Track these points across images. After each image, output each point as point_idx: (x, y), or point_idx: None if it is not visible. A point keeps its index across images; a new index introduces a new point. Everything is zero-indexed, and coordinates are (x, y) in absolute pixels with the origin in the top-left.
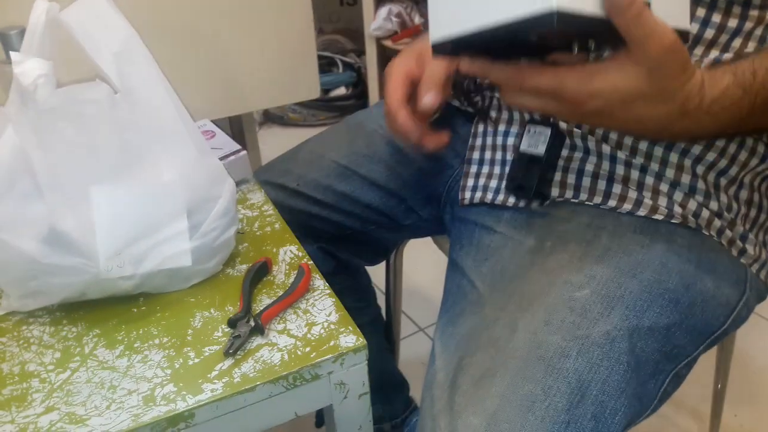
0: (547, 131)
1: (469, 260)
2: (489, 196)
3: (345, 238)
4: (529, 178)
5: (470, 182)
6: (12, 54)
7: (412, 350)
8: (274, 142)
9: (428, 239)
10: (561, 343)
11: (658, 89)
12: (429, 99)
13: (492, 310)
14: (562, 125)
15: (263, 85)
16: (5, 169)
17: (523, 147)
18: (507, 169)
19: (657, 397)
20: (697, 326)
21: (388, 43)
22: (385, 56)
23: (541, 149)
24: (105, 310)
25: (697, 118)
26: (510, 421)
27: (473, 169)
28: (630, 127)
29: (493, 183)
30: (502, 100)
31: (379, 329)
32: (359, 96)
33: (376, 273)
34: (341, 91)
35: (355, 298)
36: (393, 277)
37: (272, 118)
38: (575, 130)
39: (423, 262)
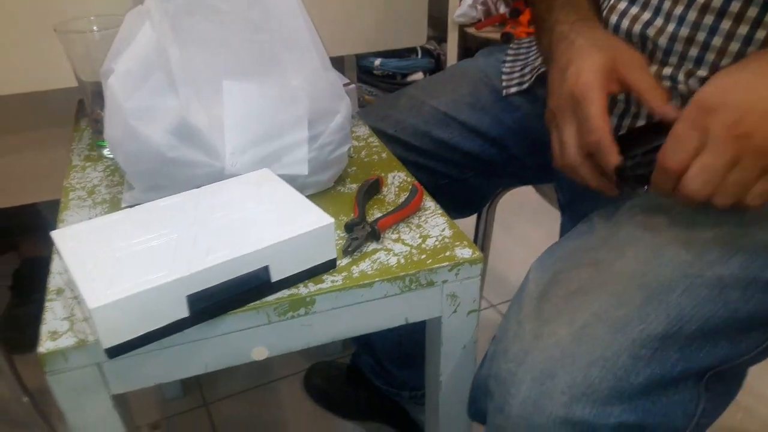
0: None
1: (586, 202)
2: None
3: (438, 189)
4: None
5: None
6: None
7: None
8: None
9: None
10: (668, 276)
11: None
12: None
13: (600, 236)
14: None
15: (373, 28)
16: (141, 62)
17: None
18: (625, 120)
19: (762, 346)
20: None
21: (470, 30)
22: (466, 43)
23: None
24: None
25: None
26: (597, 338)
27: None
28: None
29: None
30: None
31: None
32: None
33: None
34: (419, 75)
35: None
36: (483, 230)
37: None
38: None
39: (499, 241)
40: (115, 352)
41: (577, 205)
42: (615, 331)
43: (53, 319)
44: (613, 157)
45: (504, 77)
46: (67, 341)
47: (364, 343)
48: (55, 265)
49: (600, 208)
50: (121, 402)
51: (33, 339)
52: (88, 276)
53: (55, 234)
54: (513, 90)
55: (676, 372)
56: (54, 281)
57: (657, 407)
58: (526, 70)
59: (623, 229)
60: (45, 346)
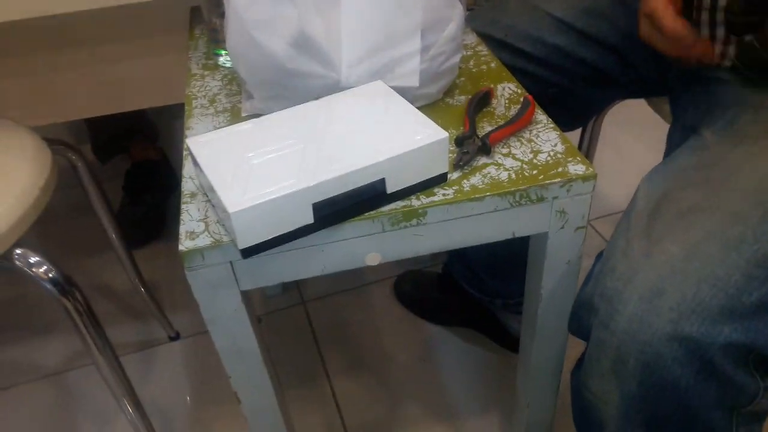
0: None
1: (700, 115)
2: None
3: (546, 98)
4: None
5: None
6: None
7: None
8: None
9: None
10: None
11: None
12: None
13: (714, 153)
14: None
15: None
16: None
17: None
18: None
19: None
20: None
21: None
22: None
23: None
24: None
25: None
26: (711, 256)
27: (704, 31)
28: None
29: (718, 48)
30: None
31: None
32: None
33: None
34: None
35: None
36: (588, 143)
37: None
38: None
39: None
40: (248, 252)
41: (688, 115)
42: (729, 250)
43: (190, 220)
44: None
45: None
46: (204, 241)
47: (458, 252)
48: (187, 170)
49: (710, 120)
50: (247, 298)
51: (145, 235)
52: (225, 182)
53: (190, 141)
54: None
55: None
56: (187, 185)
57: None
58: None
59: (738, 146)
60: (185, 244)
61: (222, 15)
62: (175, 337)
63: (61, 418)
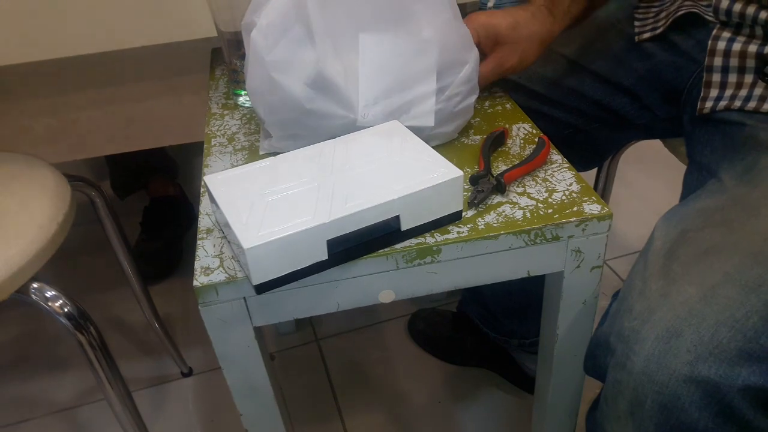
0: None
1: (717, 158)
2: (737, 103)
3: (561, 139)
4: None
5: (713, 93)
6: None
7: None
8: None
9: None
10: None
11: None
12: None
13: (732, 195)
14: None
15: None
16: (282, 15)
17: None
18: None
19: None
20: None
21: None
22: None
23: None
24: None
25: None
26: (729, 298)
27: (716, 77)
28: None
29: (743, 92)
30: None
31: None
32: None
33: None
34: None
35: None
36: (604, 184)
37: None
38: None
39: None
40: (262, 288)
41: (704, 158)
42: (747, 292)
43: (205, 256)
44: None
45: (637, 23)
46: (218, 277)
47: (473, 291)
48: (203, 207)
49: (728, 164)
50: (260, 334)
51: (161, 270)
52: (241, 219)
53: (207, 178)
54: (646, 35)
55: None
56: (203, 222)
57: None
58: (661, 15)
59: (758, 189)
60: (199, 280)
61: (242, 57)
62: (188, 373)
63: None
